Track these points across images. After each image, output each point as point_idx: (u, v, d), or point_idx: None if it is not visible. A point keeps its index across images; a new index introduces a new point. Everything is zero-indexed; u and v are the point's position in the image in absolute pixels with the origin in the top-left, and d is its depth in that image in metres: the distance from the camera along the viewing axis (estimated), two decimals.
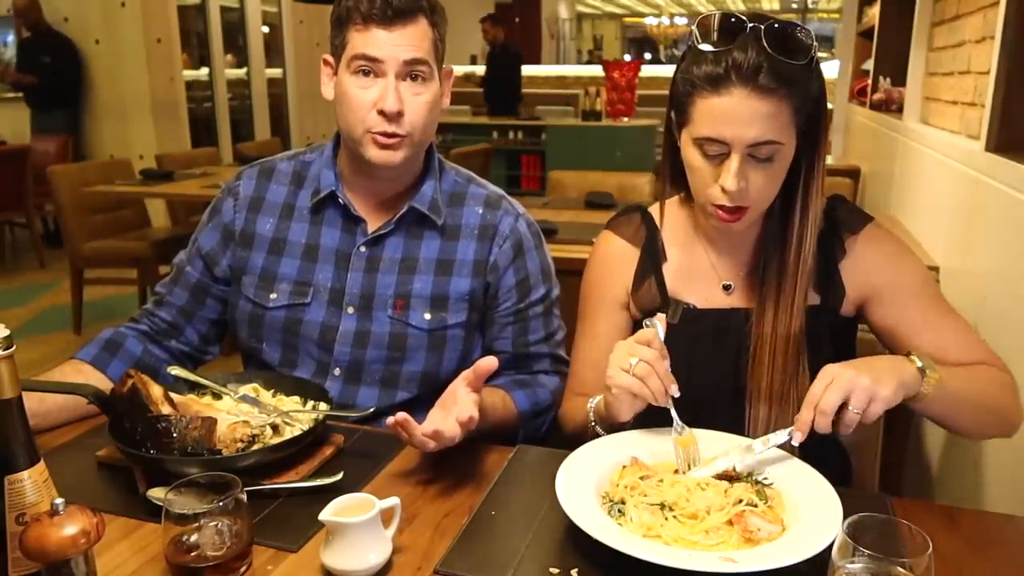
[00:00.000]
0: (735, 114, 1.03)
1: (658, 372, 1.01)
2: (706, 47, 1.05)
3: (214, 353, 1.48)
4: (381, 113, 1.23)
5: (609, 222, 1.34)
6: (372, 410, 1.23)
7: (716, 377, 1.19)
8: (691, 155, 1.10)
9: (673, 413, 1.05)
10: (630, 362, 1.00)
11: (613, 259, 1.29)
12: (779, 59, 1.02)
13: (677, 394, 1.02)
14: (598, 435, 1.12)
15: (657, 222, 1.27)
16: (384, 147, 1.25)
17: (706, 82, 1.04)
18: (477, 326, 1.40)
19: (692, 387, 1.17)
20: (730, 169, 1.05)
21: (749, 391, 1.15)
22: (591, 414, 1.15)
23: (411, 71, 1.24)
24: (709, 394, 1.18)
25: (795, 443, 0.98)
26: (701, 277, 1.23)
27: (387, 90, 1.22)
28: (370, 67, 1.23)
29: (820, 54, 1.08)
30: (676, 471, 1.03)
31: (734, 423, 1.14)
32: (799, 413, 0.98)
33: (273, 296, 1.36)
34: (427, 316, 1.34)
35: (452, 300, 1.35)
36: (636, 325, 1.26)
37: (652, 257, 1.25)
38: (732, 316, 1.20)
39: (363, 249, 1.35)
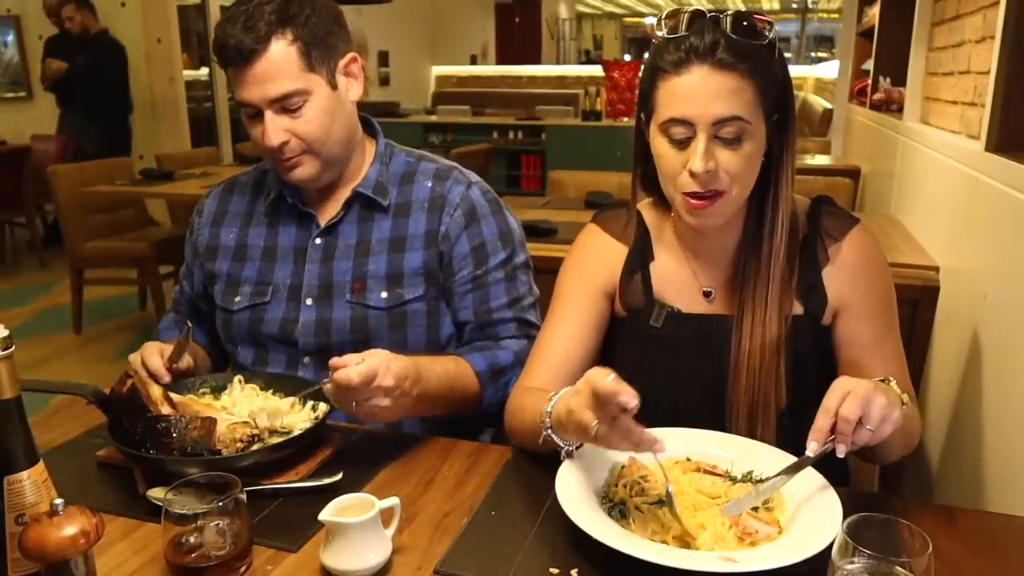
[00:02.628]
0: (697, 91, 1.03)
1: (623, 430, 0.88)
2: (666, 36, 1.08)
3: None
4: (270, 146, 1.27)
5: (595, 216, 1.31)
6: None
7: (698, 382, 1.17)
8: (658, 145, 1.09)
9: (663, 472, 0.95)
10: (590, 428, 0.89)
11: (600, 252, 1.26)
12: (736, 38, 1.04)
13: (660, 450, 0.90)
14: (550, 442, 1.02)
15: (647, 221, 1.26)
16: (288, 169, 1.30)
17: (668, 65, 1.06)
18: (439, 299, 1.40)
19: (674, 391, 1.16)
20: (696, 150, 1.04)
21: (729, 398, 1.14)
22: (547, 420, 1.02)
23: (282, 105, 1.25)
24: (691, 399, 1.16)
25: (810, 452, 0.91)
26: (683, 283, 1.22)
27: (267, 127, 1.25)
28: (250, 109, 1.27)
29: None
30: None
31: (715, 429, 1.12)
32: (815, 423, 0.91)
33: (237, 299, 1.40)
34: (384, 295, 1.35)
35: (407, 275, 1.36)
36: (620, 323, 1.25)
37: (640, 256, 1.23)
38: (715, 323, 1.18)
39: (318, 241, 1.39)
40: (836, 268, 1.17)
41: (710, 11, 1.07)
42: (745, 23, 1.05)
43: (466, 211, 1.38)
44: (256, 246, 1.42)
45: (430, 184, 1.39)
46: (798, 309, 1.16)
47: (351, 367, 1.07)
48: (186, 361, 1.28)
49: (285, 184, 1.38)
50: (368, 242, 1.37)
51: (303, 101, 1.26)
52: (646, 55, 1.13)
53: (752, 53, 1.04)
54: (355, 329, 1.35)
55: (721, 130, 1.04)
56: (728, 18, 1.05)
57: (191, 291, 1.51)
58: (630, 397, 0.85)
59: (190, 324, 1.32)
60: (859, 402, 0.89)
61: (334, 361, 1.09)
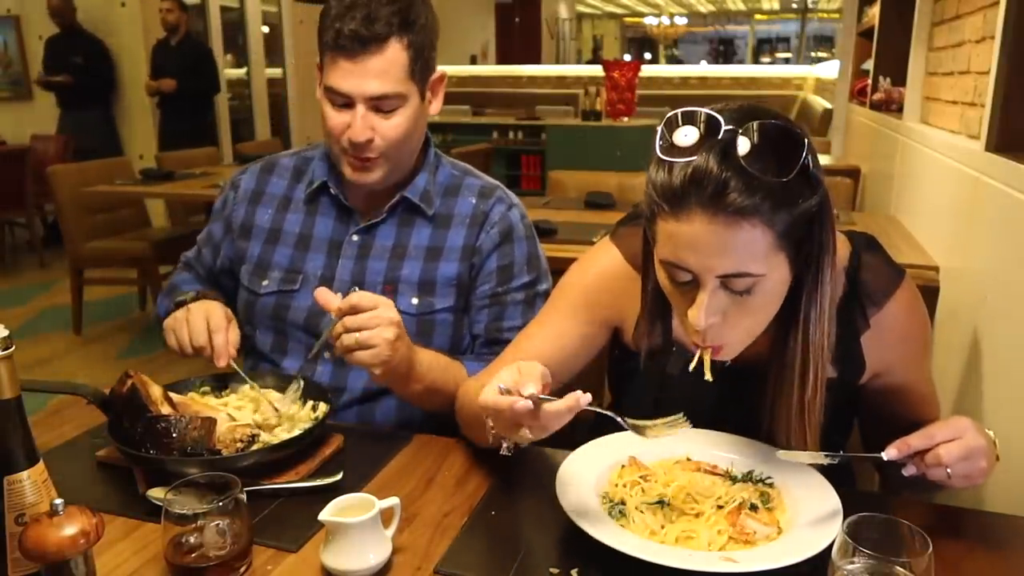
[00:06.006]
0: (698, 243, 0.85)
1: (549, 417, 0.85)
2: (666, 151, 0.86)
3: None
4: (352, 140, 1.26)
5: (616, 231, 1.17)
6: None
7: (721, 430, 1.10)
8: (661, 277, 0.95)
9: (612, 415, 0.92)
10: (525, 439, 0.88)
11: (614, 284, 1.13)
12: (753, 174, 0.82)
13: (587, 400, 0.85)
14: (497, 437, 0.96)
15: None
16: (356, 169, 1.30)
17: (663, 199, 0.86)
18: (466, 311, 1.41)
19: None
20: (698, 302, 0.88)
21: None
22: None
23: (381, 105, 1.26)
24: None
25: (886, 457, 0.91)
26: None
27: (355, 120, 1.25)
28: (340, 99, 1.26)
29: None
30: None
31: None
32: (910, 437, 0.90)
33: (265, 283, 1.40)
34: (415, 301, 1.36)
35: (440, 285, 1.37)
36: (633, 360, 1.13)
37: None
38: (738, 379, 1.05)
39: (355, 238, 1.38)
40: (877, 335, 1.05)
41: (729, 118, 0.85)
42: (769, 149, 0.83)
43: (503, 230, 1.39)
44: (291, 232, 1.41)
45: (474, 201, 1.40)
46: (831, 372, 1.03)
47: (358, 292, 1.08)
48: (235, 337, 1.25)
49: (331, 175, 1.39)
50: (405, 247, 1.38)
51: (397, 105, 1.27)
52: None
53: (774, 196, 0.83)
54: None
55: (729, 282, 0.88)
56: (746, 141, 0.83)
57: (212, 262, 1.50)
58: (516, 399, 0.83)
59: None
60: (963, 453, 0.88)
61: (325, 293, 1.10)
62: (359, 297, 1.09)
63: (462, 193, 1.41)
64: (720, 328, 0.91)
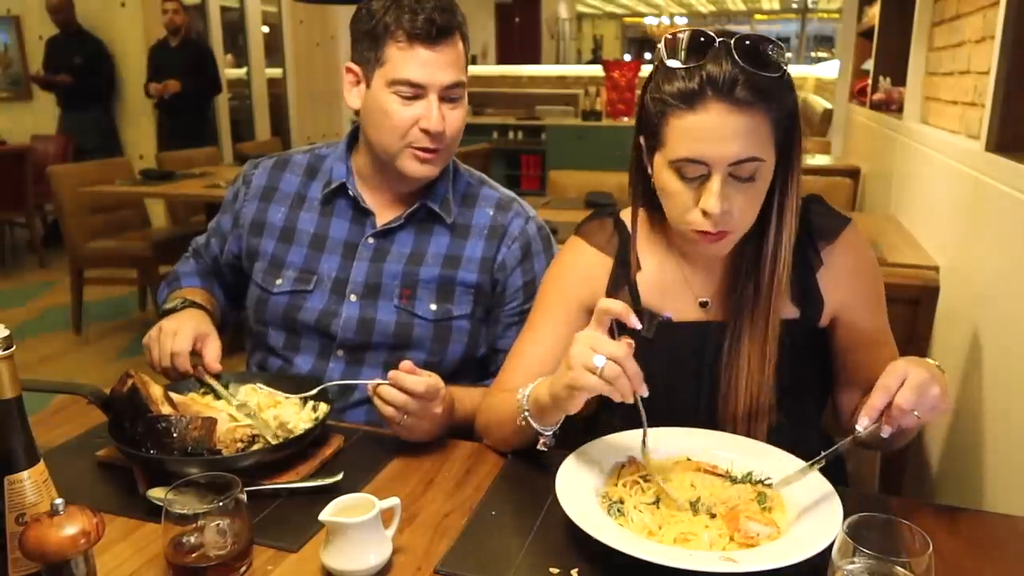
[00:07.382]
0: (714, 131, 0.98)
1: (628, 372, 0.92)
2: (676, 63, 1.00)
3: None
4: (424, 131, 1.28)
5: (579, 227, 1.26)
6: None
7: (694, 389, 1.16)
8: (667, 180, 1.05)
9: (643, 419, 0.98)
10: (596, 363, 0.91)
11: (583, 267, 1.22)
12: (754, 72, 0.98)
13: (645, 394, 0.94)
14: (528, 430, 1.06)
15: (630, 229, 1.20)
16: (424, 161, 1.31)
17: (680, 99, 0.99)
18: (483, 321, 1.41)
19: (668, 401, 1.11)
20: (712, 190, 1.00)
21: (722, 406, 1.13)
22: (524, 403, 1.05)
23: (450, 94, 1.29)
24: (685, 407, 1.14)
25: (860, 428, 0.93)
26: (676, 291, 1.18)
27: (430, 110, 1.27)
28: (411, 91, 1.27)
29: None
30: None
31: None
32: (870, 400, 0.93)
33: (278, 282, 1.40)
34: (433, 307, 1.36)
35: (458, 291, 1.37)
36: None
37: (625, 267, 1.19)
38: (708, 330, 1.15)
39: (371, 240, 1.39)
40: (831, 271, 1.15)
41: (718, 33, 1.00)
42: (760, 53, 0.99)
43: (523, 245, 1.40)
44: (305, 231, 1.41)
45: (491, 212, 1.41)
46: (793, 313, 1.14)
47: (422, 377, 1.11)
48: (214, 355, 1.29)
49: (350, 177, 1.39)
50: (423, 253, 1.38)
51: (462, 95, 1.32)
52: (648, 78, 1.06)
53: (769, 90, 0.99)
54: (398, 333, 1.36)
55: (737, 169, 1.00)
56: (740, 47, 0.99)
57: (219, 253, 1.50)
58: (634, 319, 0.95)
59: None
60: (916, 393, 0.91)
61: (407, 365, 1.12)
62: (426, 388, 1.11)
63: (479, 204, 1.42)
64: (729, 214, 1.02)
